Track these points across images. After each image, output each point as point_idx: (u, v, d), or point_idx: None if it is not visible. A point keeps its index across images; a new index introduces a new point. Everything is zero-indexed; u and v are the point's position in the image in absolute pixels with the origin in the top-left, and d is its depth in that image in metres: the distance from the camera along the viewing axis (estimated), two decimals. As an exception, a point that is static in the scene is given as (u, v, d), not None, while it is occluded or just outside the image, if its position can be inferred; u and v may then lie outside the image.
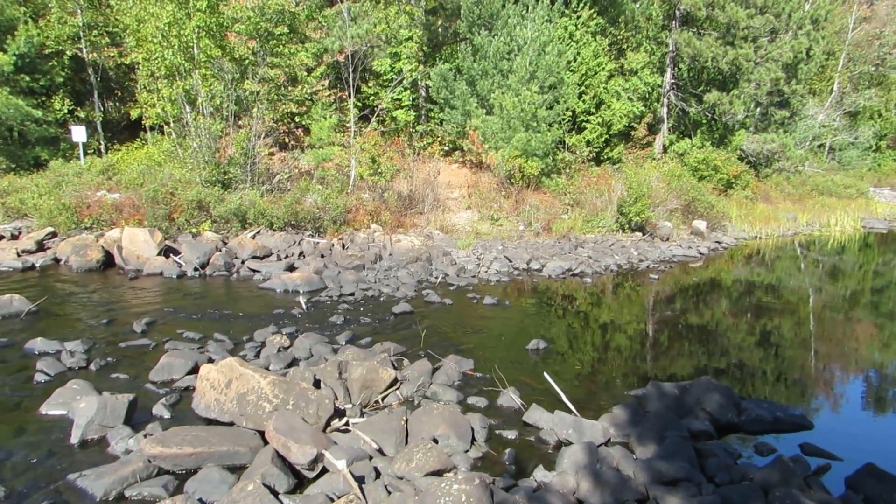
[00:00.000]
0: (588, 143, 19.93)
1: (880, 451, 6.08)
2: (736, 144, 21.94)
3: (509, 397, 6.65)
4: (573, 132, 20.02)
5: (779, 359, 9.19)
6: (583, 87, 20.15)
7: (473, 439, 5.67)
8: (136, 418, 5.69)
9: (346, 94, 18.07)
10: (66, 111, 18.67)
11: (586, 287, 12.45)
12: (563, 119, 18.73)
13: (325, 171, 16.26)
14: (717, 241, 17.10)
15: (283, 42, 17.34)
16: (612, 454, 5.33)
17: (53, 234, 13.31)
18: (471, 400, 6.59)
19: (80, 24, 18.89)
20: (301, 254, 12.94)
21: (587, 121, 20.30)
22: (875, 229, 21.90)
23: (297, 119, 18.34)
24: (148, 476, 4.80)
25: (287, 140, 18.27)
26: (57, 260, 12.27)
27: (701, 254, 15.87)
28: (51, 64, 18.59)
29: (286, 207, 13.98)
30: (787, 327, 10.83)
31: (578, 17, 20.59)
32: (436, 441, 5.45)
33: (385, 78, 19.73)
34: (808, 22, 24.91)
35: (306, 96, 18.14)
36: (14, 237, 13.42)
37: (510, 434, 5.94)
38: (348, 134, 17.67)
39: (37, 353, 7.37)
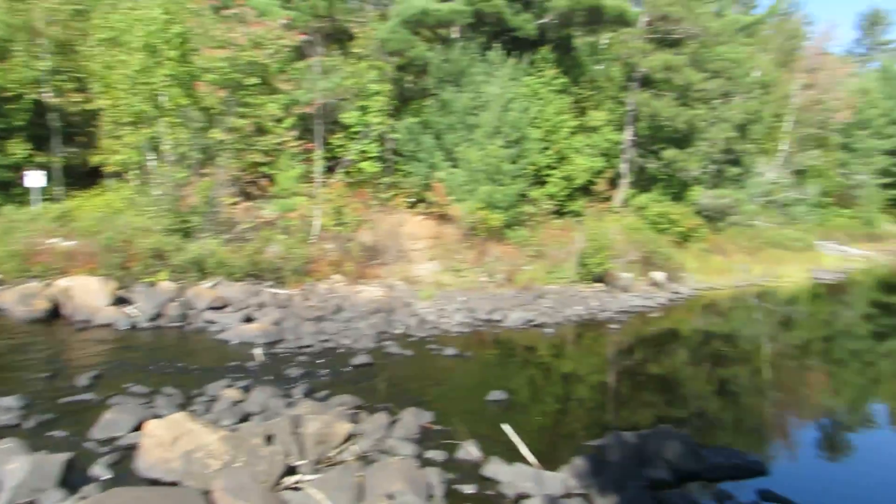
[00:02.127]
0: (551, 197, 20.31)
1: (835, 495, 6.14)
2: (692, 199, 22.63)
3: (468, 450, 6.55)
4: (536, 185, 20.41)
5: (737, 406, 9.30)
6: (546, 143, 20.66)
7: (431, 494, 5.56)
8: (73, 479, 5.39)
9: (314, 144, 18.19)
10: (23, 155, 18.29)
11: (547, 337, 12.47)
12: (527, 173, 19.11)
13: (288, 221, 16.19)
14: (675, 292, 17.38)
15: (253, 93, 17.47)
16: (572, 508, 5.28)
17: (0, 282, 12.84)
18: (429, 454, 6.49)
19: (46, 69, 18.74)
20: (261, 305, 12.70)
21: (550, 175, 20.75)
22: (823, 280, 22.66)
23: (262, 168, 18.31)
24: (81, 541, 4.55)
25: (251, 190, 18.17)
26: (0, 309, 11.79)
27: (660, 304, 16.11)
28: (10, 107, 18.30)
29: (247, 257, 13.81)
30: (745, 376, 10.99)
31: (542, 77, 21.29)
32: (392, 497, 5.32)
33: (353, 130, 19.97)
34: (757, 86, 26.25)
35: (273, 146, 18.18)
36: (-42, 285, 12.89)
37: (469, 488, 5.84)
38: (314, 184, 17.71)
39: (-32, 410, 6.99)
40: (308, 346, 10.51)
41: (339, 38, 22.11)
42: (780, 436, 8.34)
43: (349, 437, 6.56)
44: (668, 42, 22.07)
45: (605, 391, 9.85)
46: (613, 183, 22.77)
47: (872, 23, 58.08)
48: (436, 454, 6.49)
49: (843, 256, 28.88)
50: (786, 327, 15.64)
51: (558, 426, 7.92)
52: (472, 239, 17.09)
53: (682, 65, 21.41)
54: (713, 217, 23.19)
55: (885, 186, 39.08)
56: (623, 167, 22.81)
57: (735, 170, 25.64)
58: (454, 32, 20.35)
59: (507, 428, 7.11)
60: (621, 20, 20.30)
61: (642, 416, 8.34)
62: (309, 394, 8.06)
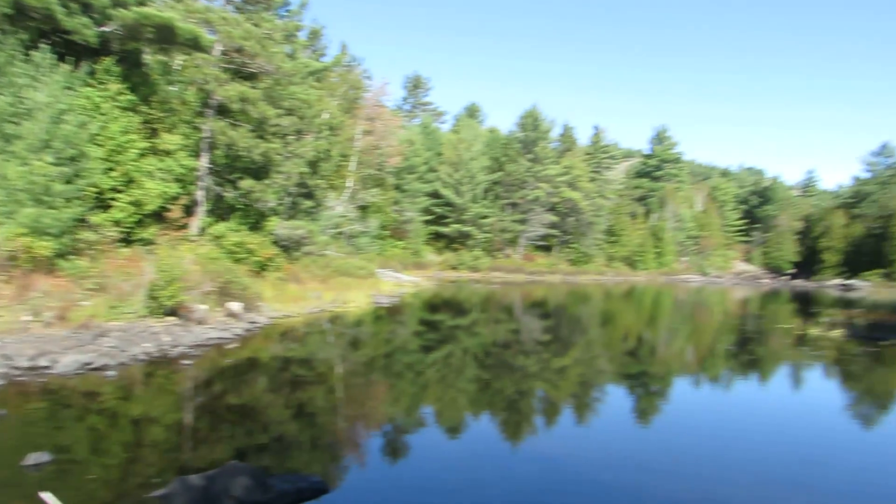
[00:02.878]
0: (116, 223, 18.44)
1: (390, 498, 7.06)
2: (269, 229, 23.55)
3: (-10, 535, 5.40)
4: (99, 210, 18.26)
5: (308, 428, 9.90)
6: (111, 163, 18.72)
7: None
8: None
9: None
10: None
11: (110, 381, 11.18)
12: (86, 195, 16.93)
13: None
14: (252, 322, 17.63)
15: None
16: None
17: None
18: (-73, 553, 5.12)
19: None
20: None
21: (116, 199, 18.85)
22: (382, 304, 26.30)
23: None
24: None
25: None
26: None
27: (237, 335, 16.07)
28: None
29: None
30: (319, 396, 11.82)
31: (106, 90, 19.27)
32: None
33: None
34: (326, 128, 29.13)
35: None
36: None
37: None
38: None
39: None
40: None
41: None
42: (347, 451, 9.14)
43: None
44: (243, 74, 22.66)
45: (177, 432, 9.31)
46: (189, 210, 22.04)
47: (415, 85, 70.74)
48: (-61, 549, 5.16)
49: (398, 282, 34.07)
50: (353, 347, 17.47)
51: (119, 481, 7.15)
52: (10, 271, 14.26)
53: (258, 98, 22.24)
54: (289, 247, 24.58)
55: (428, 223, 47.95)
56: (199, 194, 22.31)
57: (309, 203, 27.86)
58: (-14, 22, 16.89)
59: (46, 496, 6.13)
60: (195, 45, 19.94)
61: (217, 454, 8.12)
62: None
